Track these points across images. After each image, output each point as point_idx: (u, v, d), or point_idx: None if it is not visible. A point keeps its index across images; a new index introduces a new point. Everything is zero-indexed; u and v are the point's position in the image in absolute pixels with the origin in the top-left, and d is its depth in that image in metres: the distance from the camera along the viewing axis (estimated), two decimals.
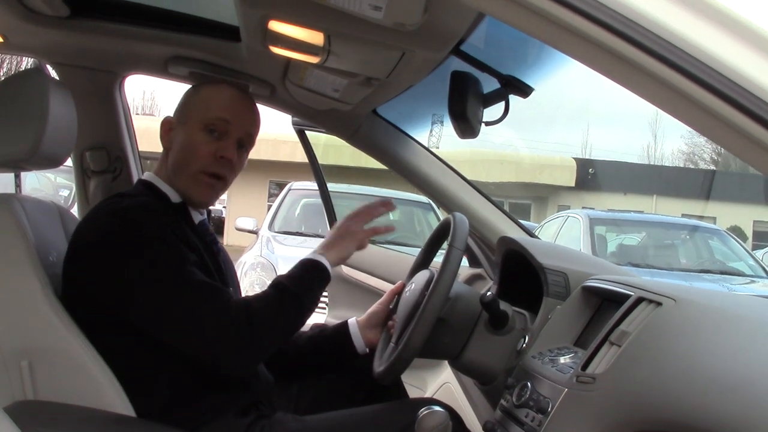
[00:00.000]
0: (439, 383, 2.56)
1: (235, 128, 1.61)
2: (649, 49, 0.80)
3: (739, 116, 0.78)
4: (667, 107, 0.87)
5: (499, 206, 2.29)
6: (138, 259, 1.43)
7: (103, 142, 2.20)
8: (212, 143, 1.59)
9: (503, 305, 1.68)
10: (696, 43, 0.80)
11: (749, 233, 20.89)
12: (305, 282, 1.57)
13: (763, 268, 7.12)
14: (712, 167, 29.77)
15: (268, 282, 5.36)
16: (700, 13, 0.81)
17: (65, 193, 7.18)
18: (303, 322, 1.58)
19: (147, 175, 1.66)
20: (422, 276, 1.74)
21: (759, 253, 8.60)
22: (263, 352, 1.52)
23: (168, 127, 1.63)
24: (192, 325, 1.42)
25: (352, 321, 1.87)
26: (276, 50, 1.64)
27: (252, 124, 1.66)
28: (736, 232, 13.03)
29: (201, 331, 1.42)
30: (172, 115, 1.67)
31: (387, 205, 1.81)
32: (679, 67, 0.80)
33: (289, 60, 1.78)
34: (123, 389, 1.44)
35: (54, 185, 7.53)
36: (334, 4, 1.30)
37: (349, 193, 7.25)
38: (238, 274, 5.49)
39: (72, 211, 1.94)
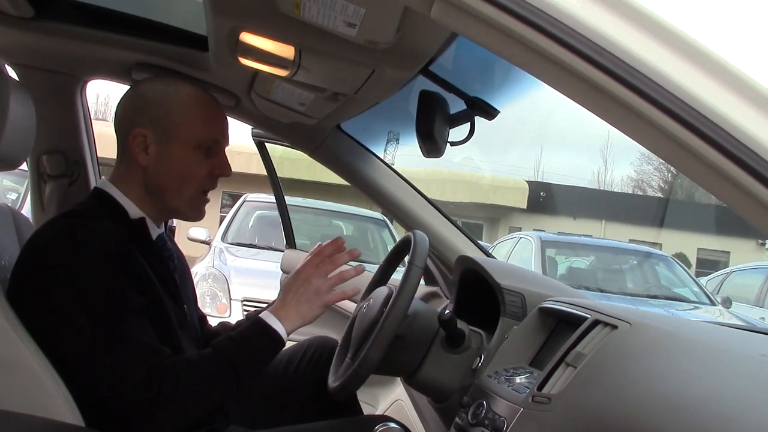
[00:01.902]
0: (390, 400, 2.56)
1: (223, 142, 1.59)
2: (620, 78, 0.82)
3: (703, 145, 0.81)
4: (630, 132, 0.89)
5: (457, 225, 2.31)
6: (71, 301, 1.38)
7: (61, 146, 2.16)
8: (207, 162, 1.55)
9: (460, 324, 1.69)
10: (661, 70, 0.83)
11: (693, 260, 21.40)
12: (251, 352, 1.47)
13: (707, 295, 7.30)
14: (660, 195, 30.46)
15: (220, 293, 5.27)
16: (666, 43, 0.84)
17: (13, 196, 6.99)
18: (239, 393, 1.47)
19: (102, 184, 1.57)
20: (381, 292, 1.74)
21: (703, 280, 8.80)
22: (181, 421, 1.41)
23: (142, 141, 1.52)
24: (111, 379, 1.36)
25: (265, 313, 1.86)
26: (245, 62, 1.63)
27: (228, 128, 1.64)
28: (681, 258, 13.32)
29: (117, 388, 1.36)
30: (128, 120, 1.55)
31: (352, 253, 1.65)
32: (644, 93, 0.83)
33: (256, 72, 1.77)
34: (72, 399, 1.41)
35: (1, 188, 7.33)
36: (308, 19, 1.31)
37: (304, 207, 7.23)
38: None
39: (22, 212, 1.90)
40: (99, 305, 1.38)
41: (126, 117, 1.55)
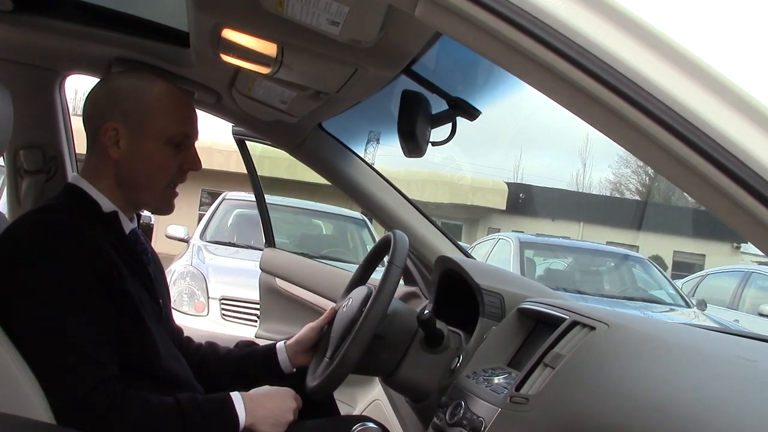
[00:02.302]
0: (368, 400, 2.56)
1: (194, 137, 1.60)
2: (602, 78, 0.83)
3: (682, 146, 0.82)
4: (611, 133, 0.90)
5: (437, 225, 2.31)
6: (38, 301, 1.37)
7: (39, 141, 2.14)
8: (177, 156, 1.56)
9: (439, 324, 1.69)
10: (642, 72, 0.84)
11: (669, 263, 21.62)
12: (206, 425, 1.46)
13: (682, 297, 7.37)
14: (637, 197, 30.74)
15: (198, 291, 5.24)
16: (648, 44, 0.84)
17: None
18: None
19: (74, 179, 1.57)
20: (360, 292, 1.74)
21: (678, 283, 8.89)
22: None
23: (113, 135, 1.51)
24: (56, 386, 1.35)
25: (280, 346, 1.84)
26: (227, 59, 1.62)
27: (197, 123, 1.63)
28: (657, 261, 13.46)
29: (61, 396, 1.34)
30: (99, 114, 1.53)
31: None
32: (625, 95, 0.83)
33: (238, 69, 1.76)
34: (46, 398, 1.39)
35: None
36: (291, 16, 1.30)
37: (284, 206, 7.21)
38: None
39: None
40: (57, 307, 1.37)
41: (96, 111, 1.55)
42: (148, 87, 1.55)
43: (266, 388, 1.58)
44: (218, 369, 1.80)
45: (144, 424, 1.39)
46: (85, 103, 1.58)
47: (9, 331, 1.37)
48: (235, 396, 1.51)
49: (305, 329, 1.85)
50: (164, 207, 1.61)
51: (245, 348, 1.88)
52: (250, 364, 1.83)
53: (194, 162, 1.59)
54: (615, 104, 0.83)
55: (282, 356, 1.82)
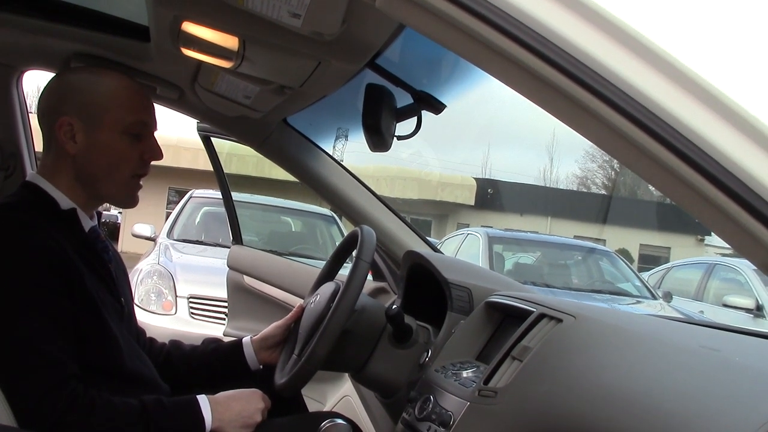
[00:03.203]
0: (338, 396, 2.55)
1: (152, 125, 1.58)
2: (564, 69, 0.82)
3: (647, 138, 0.82)
4: (574, 124, 0.89)
5: (405, 221, 2.31)
6: None
7: None
8: (136, 145, 1.54)
9: (407, 319, 1.69)
10: (606, 63, 0.83)
11: (635, 255, 21.91)
12: (171, 427, 1.45)
13: (649, 289, 7.47)
14: (604, 192, 31.09)
15: (165, 290, 5.20)
16: (612, 36, 0.84)
17: None
18: None
19: (32, 177, 1.54)
20: (328, 288, 1.73)
21: (645, 275, 9.01)
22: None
23: (68, 130, 1.49)
24: (22, 370, 1.33)
25: (246, 340, 1.83)
26: (188, 53, 1.60)
27: (155, 112, 1.61)
28: (624, 254, 13.61)
29: (20, 396, 1.33)
30: (53, 110, 1.51)
31: None
32: (588, 85, 0.83)
33: (200, 63, 1.74)
34: (6, 399, 1.36)
35: None
36: (252, 8, 1.28)
37: (252, 203, 7.16)
38: (134, 282, 5.35)
39: None
40: (14, 306, 1.35)
41: (50, 107, 1.53)
42: (101, 79, 1.54)
43: (233, 391, 1.57)
44: (184, 366, 1.78)
45: (106, 425, 1.37)
46: (39, 100, 1.55)
47: None
48: (202, 399, 1.49)
49: (272, 326, 1.84)
50: (128, 199, 1.58)
51: (211, 344, 1.86)
52: (216, 361, 1.81)
53: (154, 151, 1.57)
54: (576, 94, 0.83)
55: (248, 351, 1.81)
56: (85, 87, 1.52)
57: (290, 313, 1.84)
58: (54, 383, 1.33)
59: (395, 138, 1.68)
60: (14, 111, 2.10)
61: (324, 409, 2.51)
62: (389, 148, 1.66)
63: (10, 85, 2.08)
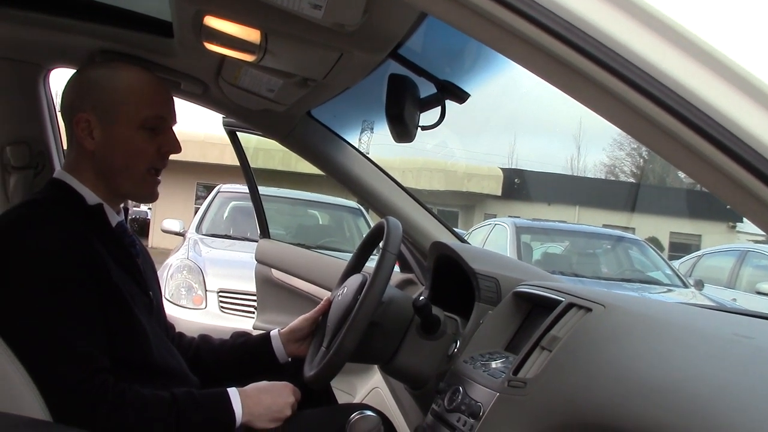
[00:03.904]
0: (368, 388, 2.55)
1: (170, 119, 1.58)
2: (589, 54, 0.81)
3: (672, 120, 0.80)
4: (601, 110, 0.88)
5: (431, 212, 2.30)
6: (23, 296, 1.36)
7: (24, 136, 2.11)
8: (153, 140, 1.54)
9: (435, 310, 1.68)
10: (631, 46, 0.82)
11: (666, 244, 21.65)
12: (201, 420, 1.44)
13: (680, 278, 7.38)
14: (632, 180, 30.77)
15: (195, 285, 5.23)
16: (635, 18, 0.82)
17: None
18: None
19: (59, 174, 1.56)
20: (355, 280, 1.73)
21: (675, 263, 8.90)
22: (102, 424, 1.37)
23: (86, 126, 1.50)
24: (46, 379, 1.33)
25: (274, 333, 1.83)
26: (211, 47, 1.60)
27: (174, 106, 1.61)
28: (654, 242, 13.47)
29: (52, 389, 1.33)
30: (71, 106, 1.53)
31: None
32: (616, 71, 0.81)
33: (223, 58, 1.75)
34: (40, 393, 1.38)
35: None
36: (273, 1, 1.28)
37: (279, 197, 7.19)
38: (164, 277, 5.40)
39: None
40: (44, 301, 1.36)
41: (69, 104, 1.54)
42: (116, 74, 1.54)
43: (263, 383, 1.57)
44: (213, 360, 1.79)
45: (137, 417, 1.37)
46: (61, 97, 1.57)
47: (5, 327, 1.36)
48: (232, 392, 1.49)
49: (299, 319, 1.84)
50: (146, 194, 1.59)
51: (239, 338, 1.87)
52: (245, 354, 1.82)
53: (172, 144, 1.57)
54: (603, 79, 0.81)
55: (277, 344, 1.82)
56: (101, 83, 1.53)
57: (318, 306, 1.84)
58: (84, 377, 1.35)
59: (419, 128, 1.67)
60: (42, 109, 2.12)
61: (353, 401, 2.52)
62: (413, 139, 1.65)
63: (38, 83, 2.09)
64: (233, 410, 1.47)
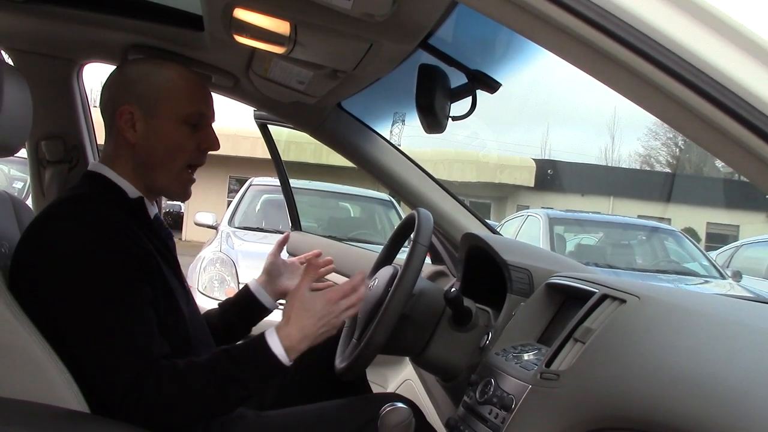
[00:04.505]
0: (400, 380, 2.55)
1: (209, 116, 1.59)
2: (621, 38, 0.79)
3: (711, 108, 0.78)
4: (635, 96, 0.86)
5: (462, 203, 2.29)
6: (72, 288, 1.37)
7: (59, 131, 2.14)
8: (193, 136, 1.55)
9: (467, 302, 1.67)
10: (667, 33, 0.80)
11: (702, 234, 21.34)
12: (246, 375, 1.40)
13: (717, 269, 7.27)
14: (668, 170, 30.35)
15: (228, 278, 5.26)
16: (673, 3, 0.80)
17: (19, 185, 7.00)
18: (229, 407, 1.43)
19: (95, 167, 1.56)
20: (386, 272, 1.72)
21: (712, 254, 8.76)
22: (161, 419, 1.37)
23: (129, 118, 1.52)
24: (100, 373, 1.35)
25: (252, 282, 1.89)
26: (241, 39, 1.61)
27: (213, 104, 1.63)
28: (690, 233, 13.28)
29: (105, 382, 1.35)
30: (114, 99, 1.54)
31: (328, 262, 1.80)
32: (652, 58, 0.80)
33: (253, 50, 1.75)
34: (76, 385, 1.40)
35: (8, 177, 7.34)
36: None
37: (310, 190, 7.21)
38: (197, 269, 5.44)
39: (27, 202, 1.88)
40: (99, 297, 1.37)
41: (112, 97, 1.56)
42: (160, 70, 1.56)
43: (297, 302, 1.45)
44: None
45: (179, 395, 1.36)
46: (101, 91, 1.59)
47: (43, 323, 1.37)
48: (269, 333, 1.43)
49: (267, 260, 1.92)
50: (180, 191, 1.60)
51: (224, 305, 1.91)
52: (230, 311, 1.86)
53: (212, 141, 1.58)
54: (638, 66, 0.80)
55: (256, 289, 1.87)
56: (145, 77, 1.55)
57: (277, 241, 1.96)
58: (131, 365, 1.35)
59: (450, 119, 1.65)
60: (76, 104, 2.15)
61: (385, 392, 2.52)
62: (444, 129, 1.64)
63: (71, 78, 2.12)
64: (273, 353, 1.41)
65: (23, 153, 1.98)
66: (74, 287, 1.36)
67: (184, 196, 1.61)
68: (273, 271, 1.90)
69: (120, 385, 1.34)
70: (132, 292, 1.39)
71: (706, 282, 6.80)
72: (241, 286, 5.19)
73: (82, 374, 1.37)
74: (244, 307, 1.87)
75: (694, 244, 7.96)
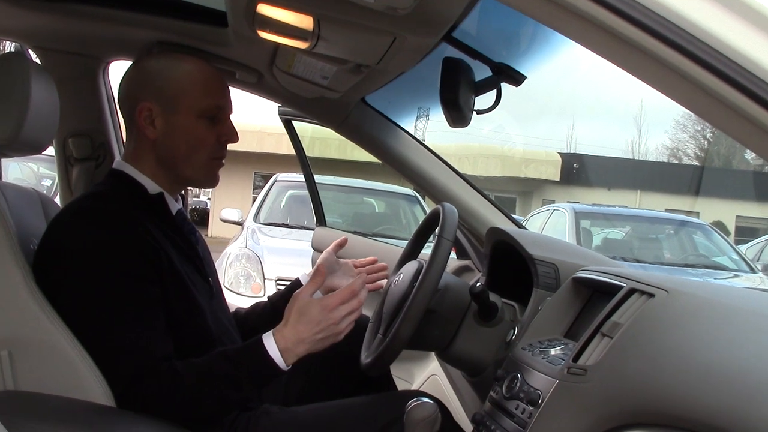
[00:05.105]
0: (425, 375, 2.55)
1: (227, 108, 1.61)
2: (647, 26, 0.77)
3: (741, 97, 0.77)
4: (663, 87, 0.85)
5: (488, 198, 2.27)
6: (87, 279, 1.39)
7: (86, 128, 2.16)
8: (214, 129, 1.57)
9: (493, 296, 1.66)
10: (695, 21, 0.78)
11: (732, 228, 21.06)
12: (244, 377, 1.40)
13: (747, 262, 7.17)
14: (696, 163, 30.00)
15: (254, 273, 5.29)
16: None
17: (48, 183, 7.11)
18: (224, 409, 1.44)
19: (118, 164, 1.59)
20: (411, 267, 1.72)
21: (742, 248, 8.64)
22: (165, 410, 1.38)
23: (148, 115, 1.53)
24: (108, 358, 1.37)
25: (302, 275, 1.91)
26: (264, 35, 1.61)
27: (230, 95, 1.64)
28: (719, 227, 13.10)
29: (114, 368, 1.37)
30: (132, 96, 1.55)
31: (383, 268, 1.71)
32: (678, 46, 0.78)
33: (277, 46, 1.75)
34: (105, 380, 1.41)
35: (36, 175, 7.45)
36: None
37: (335, 185, 7.23)
38: (223, 265, 5.48)
39: (56, 200, 1.91)
40: (105, 295, 1.39)
41: (130, 93, 1.57)
42: (176, 64, 1.57)
43: (297, 309, 1.44)
44: (253, 323, 1.84)
45: (177, 396, 1.38)
46: (119, 88, 1.60)
47: (66, 318, 1.39)
48: (266, 337, 1.42)
49: (320, 258, 1.93)
50: (209, 179, 1.62)
51: (271, 298, 1.93)
52: (280, 300, 1.86)
53: (231, 134, 1.60)
54: (665, 55, 0.78)
55: (305, 281, 1.87)
56: (161, 73, 1.56)
57: (333, 244, 1.94)
58: (143, 368, 1.37)
59: (474, 112, 1.64)
60: (102, 102, 2.17)
61: (411, 388, 2.52)
62: (468, 123, 1.63)
63: (98, 76, 2.14)
64: (269, 356, 1.40)
65: (51, 151, 2.01)
66: (81, 285, 1.39)
67: (213, 182, 1.63)
68: (326, 267, 1.83)
69: (119, 383, 1.36)
70: (137, 293, 1.40)
71: (736, 276, 6.71)
72: (266, 282, 5.26)
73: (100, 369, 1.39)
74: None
75: (723, 238, 7.85)
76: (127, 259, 1.41)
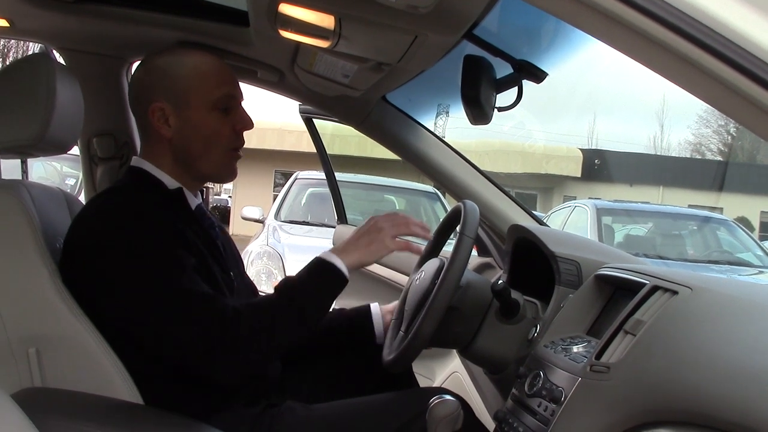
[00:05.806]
0: (447, 372, 2.55)
1: (238, 96, 1.62)
2: (668, 22, 0.77)
3: (758, 90, 0.76)
4: (685, 83, 0.84)
5: (509, 194, 2.27)
6: (124, 266, 1.40)
7: (110, 128, 2.18)
8: (227, 119, 1.58)
9: (514, 294, 1.66)
10: (718, 16, 0.78)
11: (756, 224, 20.81)
12: (311, 287, 1.50)
13: None
14: (719, 158, 29.68)
15: (275, 271, 5.32)
16: None
17: (71, 182, 7.18)
18: (307, 332, 1.50)
19: (136, 161, 1.60)
20: (432, 264, 1.72)
21: (766, 244, 8.54)
22: (253, 362, 1.44)
23: (161, 115, 1.54)
24: (176, 334, 1.38)
25: (374, 305, 1.87)
26: (286, 34, 1.62)
27: (239, 83, 1.65)
28: (743, 222, 12.97)
29: (185, 341, 1.38)
30: (143, 97, 1.57)
31: (425, 231, 1.73)
32: (699, 41, 0.78)
33: (298, 45, 1.76)
34: (131, 377, 1.43)
35: (60, 174, 7.53)
36: None
37: (355, 183, 7.23)
38: (245, 263, 5.51)
39: (80, 198, 1.93)
40: (151, 265, 1.40)
41: (140, 94, 1.58)
42: (181, 59, 1.58)
43: (353, 233, 1.61)
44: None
45: (260, 323, 1.43)
46: (129, 90, 1.61)
47: (97, 315, 1.41)
48: (327, 254, 1.55)
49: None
50: (227, 173, 1.63)
51: (334, 311, 1.89)
52: (343, 320, 1.86)
53: (245, 121, 1.60)
54: (686, 50, 0.78)
55: (375, 311, 1.86)
56: (168, 70, 1.57)
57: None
58: (206, 313, 1.39)
59: (496, 109, 1.64)
60: (125, 101, 2.18)
61: (433, 385, 2.52)
62: (490, 120, 1.63)
63: (121, 76, 2.16)
64: (332, 264, 1.52)
65: (75, 150, 2.03)
66: (124, 266, 1.40)
67: (231, 176, 1.64)
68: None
69: (198, 336, 1.37)
70: (180, 258, 1.42)
71: (761, 273, 6.64)
72: None
73: (141, 359, 1.43)
74: (358, 323, 1.87)
75: (747, 234, 7.78)
76: (161, 233, 1.43)
